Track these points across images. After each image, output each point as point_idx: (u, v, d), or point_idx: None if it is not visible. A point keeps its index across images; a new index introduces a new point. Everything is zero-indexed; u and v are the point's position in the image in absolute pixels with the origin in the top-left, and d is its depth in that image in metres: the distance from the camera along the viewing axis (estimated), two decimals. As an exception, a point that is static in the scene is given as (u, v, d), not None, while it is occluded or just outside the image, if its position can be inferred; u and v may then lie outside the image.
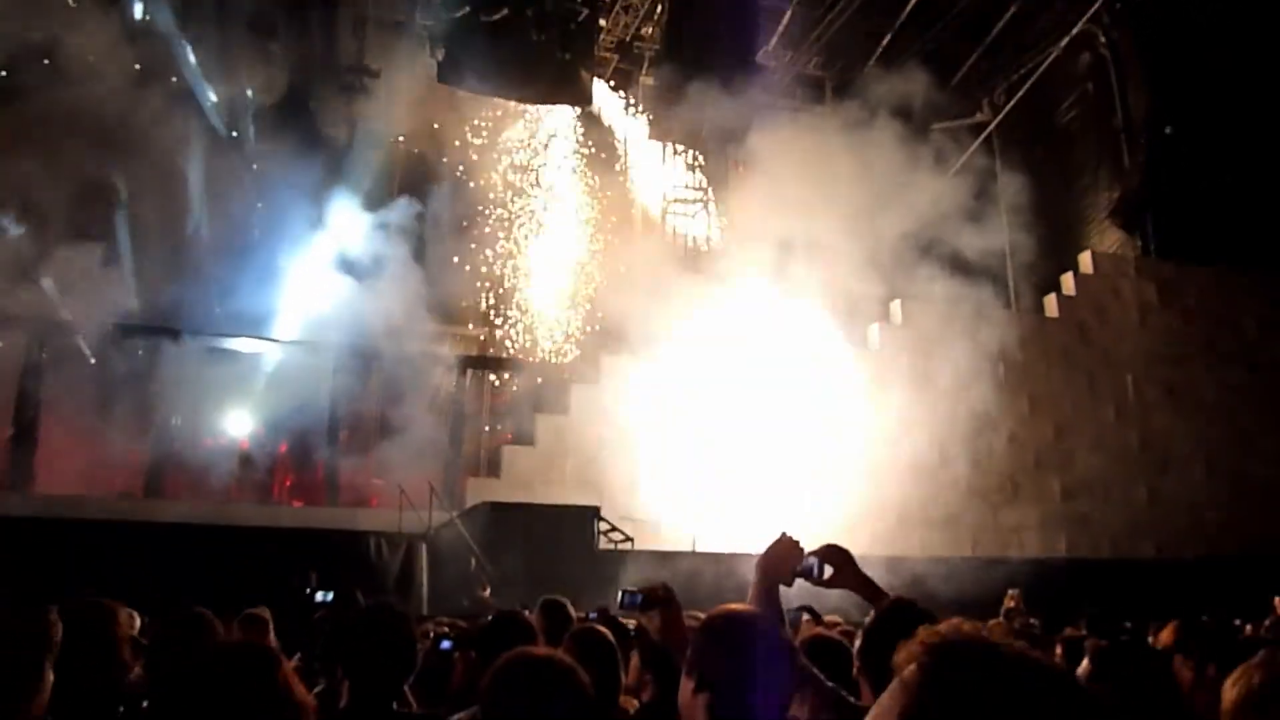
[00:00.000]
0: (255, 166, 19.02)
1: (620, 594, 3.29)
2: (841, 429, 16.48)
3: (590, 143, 22.72)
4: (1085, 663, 2.99)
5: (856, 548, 2.81)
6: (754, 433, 16.00)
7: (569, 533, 14.22)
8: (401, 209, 18.84)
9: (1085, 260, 19.98)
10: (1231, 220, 17.66)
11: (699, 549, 14.60)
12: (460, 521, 14.21)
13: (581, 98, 20.43)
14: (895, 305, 18.41)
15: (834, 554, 2.71)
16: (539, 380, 19.43)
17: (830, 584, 2.69)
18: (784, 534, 2.67)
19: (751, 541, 14.19)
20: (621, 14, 21.43)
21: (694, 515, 15.43)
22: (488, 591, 12.31)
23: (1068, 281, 19.60)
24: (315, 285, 18.34)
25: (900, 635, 1.16)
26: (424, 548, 13.48)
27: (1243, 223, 17.65)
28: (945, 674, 1.02)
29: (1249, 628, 6.69)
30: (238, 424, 18.25)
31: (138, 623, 3.71)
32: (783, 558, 2.63)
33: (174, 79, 17.92)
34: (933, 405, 16.78)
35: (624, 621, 3.89)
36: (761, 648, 2.08)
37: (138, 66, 17.13)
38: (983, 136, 19.90)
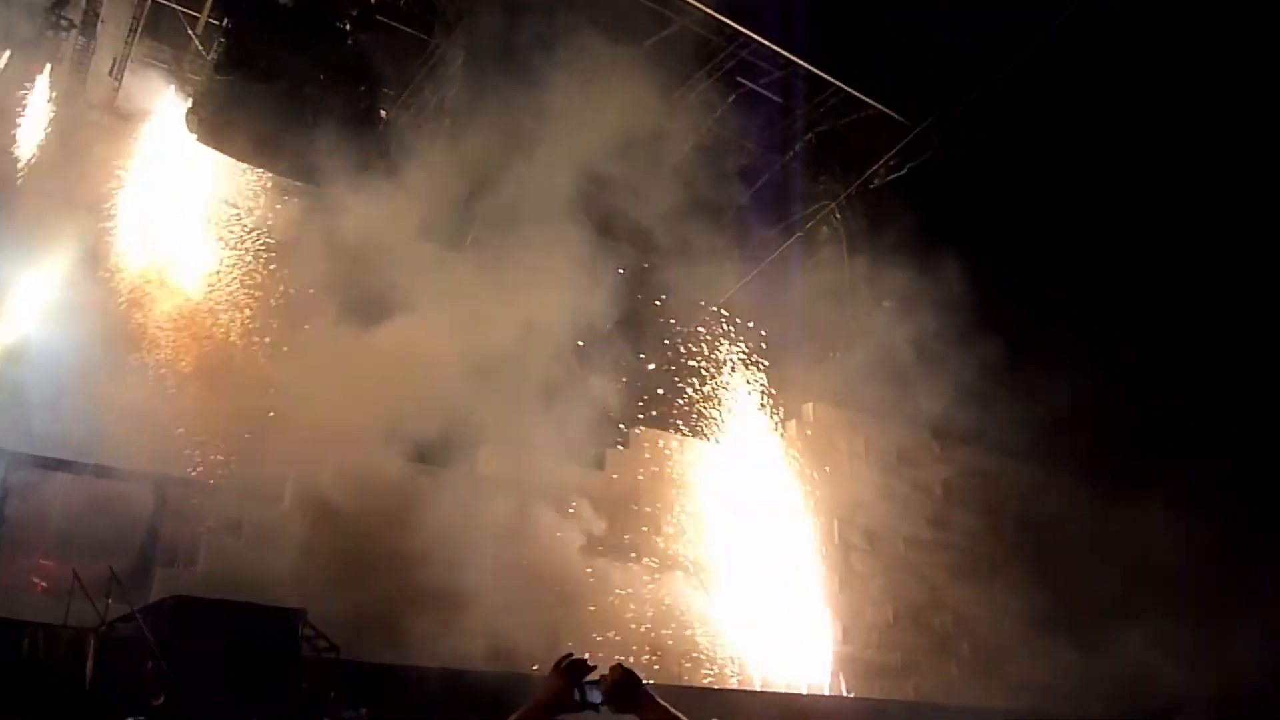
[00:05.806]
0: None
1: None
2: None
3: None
4: None
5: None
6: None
7: (267, 638, 12.69)
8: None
9: (808, 410, 21.50)
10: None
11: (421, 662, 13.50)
12: (141, 617, 12.38)
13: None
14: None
15: (621, 680, 2.51)
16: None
17: (620, 710, 2.52)
18: (571, 657, 2.51)
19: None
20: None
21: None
22: (162, 700, 10.75)
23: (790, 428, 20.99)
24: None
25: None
26: (93, 644, 11.56)
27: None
28: None
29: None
30: None
31: None
32: (564, 686, 2.46)
33: None
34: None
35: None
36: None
37: None
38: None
